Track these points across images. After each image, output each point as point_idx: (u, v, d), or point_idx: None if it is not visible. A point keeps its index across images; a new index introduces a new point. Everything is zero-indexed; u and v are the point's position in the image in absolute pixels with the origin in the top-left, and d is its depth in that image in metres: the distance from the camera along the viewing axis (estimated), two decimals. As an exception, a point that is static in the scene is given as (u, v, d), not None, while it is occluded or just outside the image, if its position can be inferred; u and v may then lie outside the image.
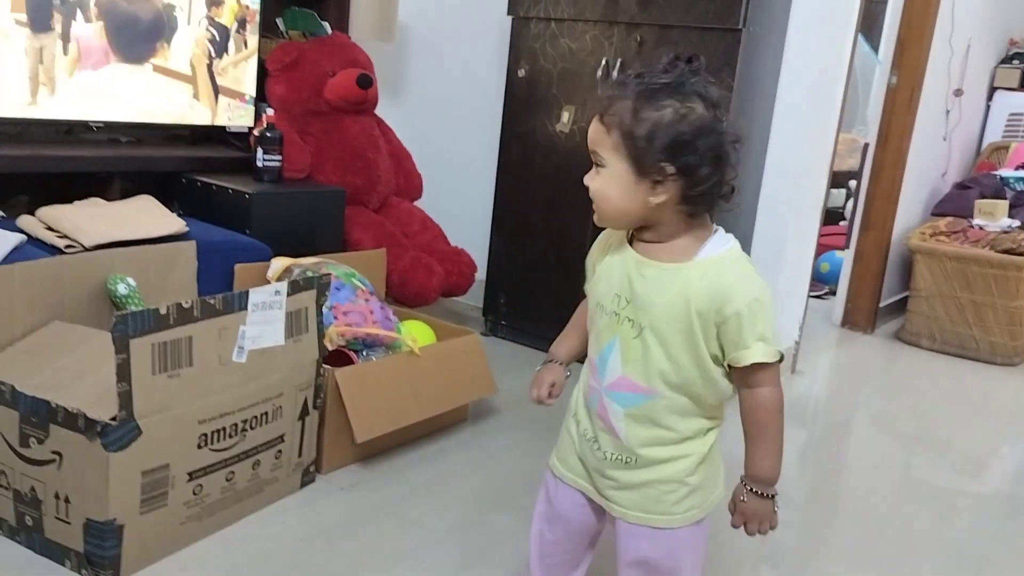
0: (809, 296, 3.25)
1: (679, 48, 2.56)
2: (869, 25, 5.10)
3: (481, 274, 3.02)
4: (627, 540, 1.27)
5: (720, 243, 1.16)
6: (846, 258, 3.99)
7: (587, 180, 1.16)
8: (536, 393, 1.34)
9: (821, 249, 3.72)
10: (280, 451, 1.83)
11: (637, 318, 1.16)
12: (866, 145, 3.94)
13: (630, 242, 1.20)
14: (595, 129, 1.13)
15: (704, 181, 1.09)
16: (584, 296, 1.31)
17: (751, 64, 2.59)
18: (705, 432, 1.22)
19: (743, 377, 1.16)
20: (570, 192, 2.73)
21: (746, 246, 2.88)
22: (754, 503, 1.20)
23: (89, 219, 2.00)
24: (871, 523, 2.08)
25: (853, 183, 4.89)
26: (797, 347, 3.20)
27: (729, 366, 1.15)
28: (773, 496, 1.20)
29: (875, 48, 5.36)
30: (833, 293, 4.18)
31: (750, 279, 1.14)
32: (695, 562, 1.29)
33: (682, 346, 1.14)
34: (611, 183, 1.12)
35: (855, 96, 5.25)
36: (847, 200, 5.10)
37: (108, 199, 2.22)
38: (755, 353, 1.12)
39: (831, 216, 4.55)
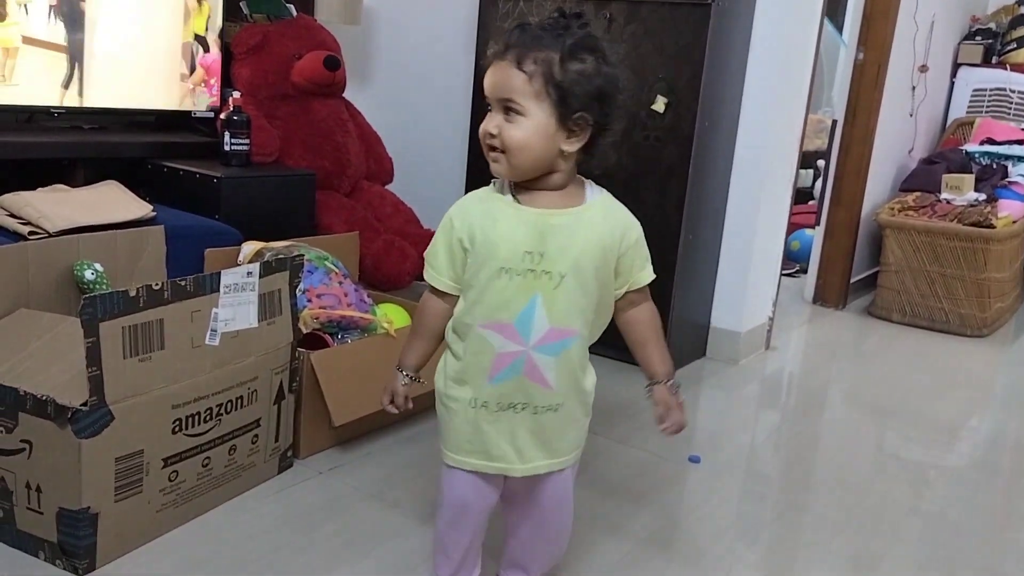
0: (781, 274, 3.28)
1: (649, 24, 2.57)
2: (833, 7, 5.14)
3: (455, 257, 3.00)
4: (541, 493, 1.33)
5: (596, 187, 1.28)
6: (816, 236, 4.03)
7: (497, 128, 1.16)
8: (387, 402, 1.41)
9: (791, 228, 3.75)
10: (256, 436, 1.80)
11: (555, 268, 1.20)
12: (834, 122, 3.97)
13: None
14: (512, 76, 1.14)
15: (610, 133, 1.20)
16: (430, 297, 1.32)
17: (721, 40, 2.59)
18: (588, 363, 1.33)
19: (636, 296, 1.31)
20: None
21: (718, 225, 2.93)
22: (677, 395, 1.32)
23: (53, 205, 1.95)
24: (846, 496, 2.10)
25: (821, 163, 4.94)
26: (771, 324, 3.22)
27: (627, 290, 1.29)
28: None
29: (839, 28, 5.41)
30: (804, 271, 4.22)
31: (631, 215, 1.29)
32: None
33: (596, 282, 1.23)
34: (533, 131, 1.15)
35: (820, 77, 5.30)
36: (815, 180, 5.15)
37: (72, 185, 2.17)
38: (647, 273, 1.30)
39: (800, 195, 4.58)
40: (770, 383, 2.96)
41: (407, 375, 1.38)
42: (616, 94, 1.18)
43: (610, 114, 1.18)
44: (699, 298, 2.93)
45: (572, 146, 1.18)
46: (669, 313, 2.71)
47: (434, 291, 1.31)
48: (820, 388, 3.00)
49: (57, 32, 2.26)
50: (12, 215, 1.93)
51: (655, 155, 2.65)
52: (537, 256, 1.19)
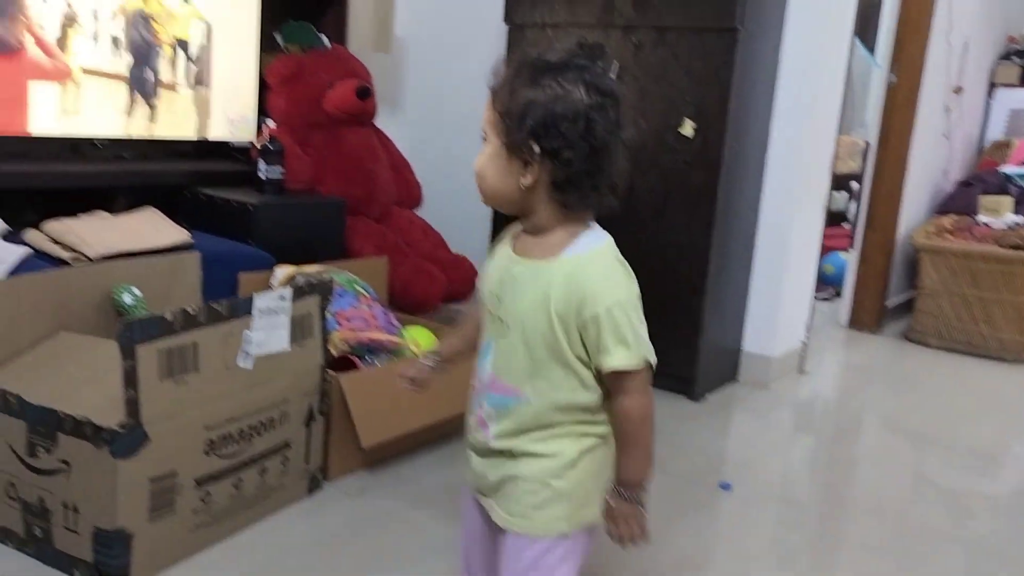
0: (815, 298, 3.24)
1: (676, 49, 2.59)
2: (864, 28, 5.11)
3: (484, 281, 3.03)
4: (501, 548, 1.21)
5: (591, 240, 1.11)
6: (850, 259, 3.98)
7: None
8: (399, 373, 1.36)
9: (824, 251, 3.71)
10: (287, 457, 1.83)
11: (506, 318, 1.13)
12: (867, 144, 3.94)
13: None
14: (486, 104, 1.11)
15: (569, 167, 1.05)
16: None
17: (748, 64, 2.60)
18: (579, 436, 1.14)
19: (610, 382, 1.11)
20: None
21: (749, 249, 2.92)
22: (622, 506, 1.14)
23: (94, 231, 2.01)
24: (884, 523, 2.06)
25: (855, 185, 4.90)
26: (804, 348, 3.19)
27: (599, 370, 1.10)
28: (640, 500, 1.15)
29: (871, 50, 5.37)
30: (838, 294, 4.17)
31: (612, 281, 1.09)
32: None
33: (545, 348, 1.10)
34: (488, 160, 1.10)
35: (853, 99, 5.26)
36: (849, 202, 5.10)
37: (113, 213, 2.24)
38: (615, 359, 1.07)
39: (833, 218, 4.54)
40: (803, 408, 2.93)
41: (434, 357, 1.35)
42: (567, 123, 1.03)
43: (561, 146, 1.04)
44: (730, 322, 2.92)
45: (526, 180, 1.07)
46: (699, 337, 2.70)
47: None
48: (856, 413, 2.95)
49: (116, 63, 2.35)
50: (55, 241, 1.99)
51: (684, 178, 2.65)
52: (496, 300, 1.15)
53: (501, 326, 1.14)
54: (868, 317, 3.93)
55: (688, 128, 2.61)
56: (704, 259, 2.65)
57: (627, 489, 1.14)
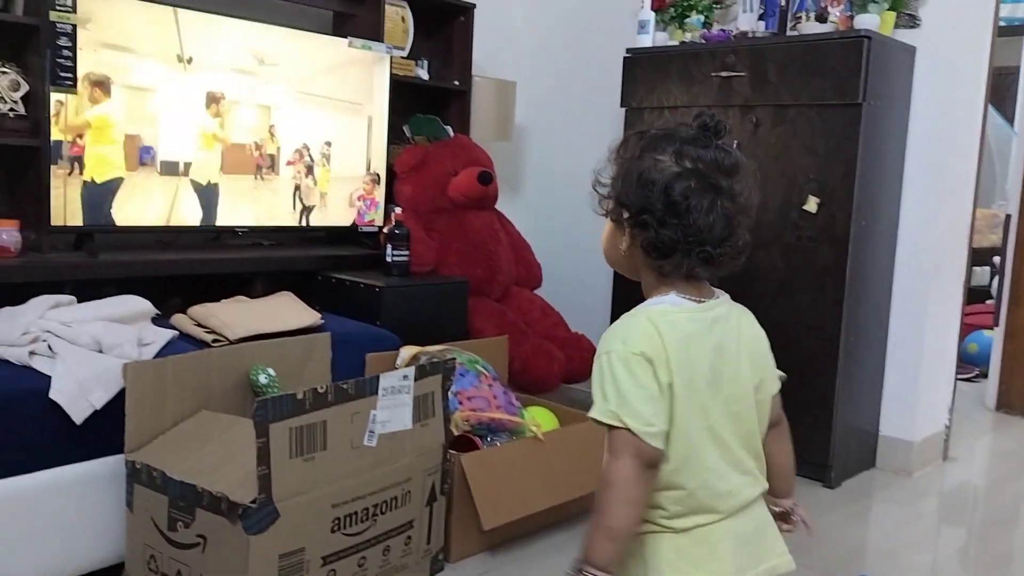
0: (957, 378, 3.04)
1: (796, 126, 2.56)
2: (1001, 97, 4.90)
3: (604, 361, 3.01)
4: None
5: (655, 301, 1.10)
6: (995, 337, 3.73)
7: None
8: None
9: (967, 329, 3.50)
10: (409, 537, 1.84)
11: None
12: (1007, 217, 3.73)
13: None
14: None
15: (654, 232, 1.05)
16: None
17: (874, 138, 2.53)
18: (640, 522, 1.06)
19: None
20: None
21: (882, 327, 2.78)
22: None
23: (234, 315, 2.13)
24: (1050, 625, 1.87)
25: (997, 259, 4.62)
26: (947, 432, 2.98)
27: None
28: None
29: (1010, 120, 5.13)
30: (984, 375, 3.90)
31: (617, 334, 1.06)
32: None
33: None
34: (605, 230, 1.15)
35: (992, 170, 5.01)
36: (992, 277, 4.81)
37: (251, 296, 2.37)
38: (593, 409, 1.04)
39: (976, 295, 4.28)
40: (951, 497, 2.71)
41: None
42: (644, 188, 1.05)
43: (639, 211, 1.05)
44: (866, 404, 2.77)
45: (623, 243, 1.10)
46: (832, 419, 2.57)
47: None
48: (1010, 503, 2.71)
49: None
50: (199, 324, 2.13)
51: (809, 256, 2.58)
52: None
53: None
54: (1018, 399, 3.64)
55: (812, 204, 2.56)
56: (834, 338, 2.54)
57: (577, 561, 1.03)
